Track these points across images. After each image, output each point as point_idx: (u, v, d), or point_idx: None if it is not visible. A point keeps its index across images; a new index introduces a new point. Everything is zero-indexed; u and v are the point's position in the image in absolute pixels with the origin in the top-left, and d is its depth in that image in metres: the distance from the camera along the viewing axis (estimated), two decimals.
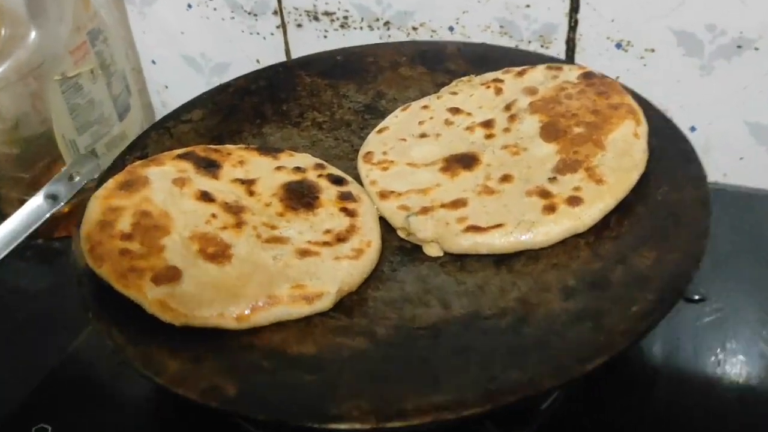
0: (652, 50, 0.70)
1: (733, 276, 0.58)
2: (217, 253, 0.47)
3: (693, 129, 0.72)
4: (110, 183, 0.52)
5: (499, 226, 0.49)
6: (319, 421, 0.36)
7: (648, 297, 0.41)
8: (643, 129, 0.53)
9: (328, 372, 0.40)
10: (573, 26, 0.72)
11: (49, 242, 0.74)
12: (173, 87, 0.95)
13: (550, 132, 0.54)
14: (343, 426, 0.36)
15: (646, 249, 0.45)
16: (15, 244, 0.61)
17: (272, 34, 0.85)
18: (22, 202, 0.71)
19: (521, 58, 0.64)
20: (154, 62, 0.95)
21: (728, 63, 0.68)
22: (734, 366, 0.51)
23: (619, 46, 0.71)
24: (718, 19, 0.66)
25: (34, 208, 0.63)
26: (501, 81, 0.61)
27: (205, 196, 0.52)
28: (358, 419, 0.36)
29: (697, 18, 0.67)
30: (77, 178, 0.65)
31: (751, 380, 0.50)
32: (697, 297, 0.56)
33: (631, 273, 0.44)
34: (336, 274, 0.47)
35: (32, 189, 0.74)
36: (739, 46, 0.66)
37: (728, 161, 0.73)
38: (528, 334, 0.41)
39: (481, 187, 0.52)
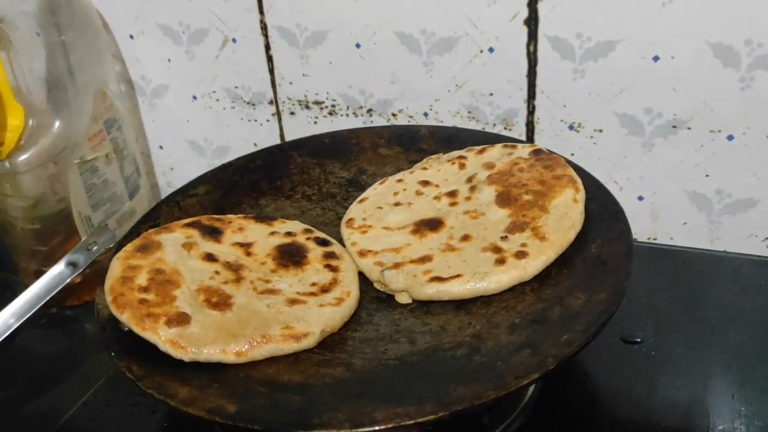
0: (600, 131, 0.79)
1: (670, 325, 0.66)
2: (219, 302, 0.55)
3: (641, 198, 0.81)
4: (129, 246, 0.60)
5: (457, 276, 0.57)
6: (305, 429, 0.44)
7: (577, 328, 0.49)
8: (581, 195, 0.61)
9: (312, 394, 0.48)
10: (531, 111, 0.81)
11: (62, 311, 0.80)
12: (178, 169, 1.04)
13: (503, 199, 0.63)
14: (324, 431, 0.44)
15: (579, 292, 0.53)
16: (40, 304, 0.68)
17: (268, 120, 0.94)
18: (38, 273, 0.78)
19: (483, 138, 0.73)
20: (161, 147, 1.04)
21: (666, 140, 0.76)
22: (663, 397, 0.59)
23: (571, 127, 0.80)
24: (654, 104, 0.75)
25: (56, 273, 0.71)
26: (464, 158, 0.70)
27: (210, 257, 0.61)
28: (336, 426, 0.44)
29: (636, 103, 0.76)
30: (94, 248, 0.73)
31: (675, 408, 0.58)
32: (637, 339, 0.64)
33: (565, 311, 0.52)
34: (320, 318, 0.55)
35: (48, 261, 0.79)
36: (674, 126, 0.75)
37: (674, 226, 0.81)
38: (478, 361, 0.50)
39: (444, 245, 0.61)
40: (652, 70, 0.73)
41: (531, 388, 0.59)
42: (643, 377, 0.61)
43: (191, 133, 1.01)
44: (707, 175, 0.77)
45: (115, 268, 0.58)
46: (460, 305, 0.57)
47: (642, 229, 0.83)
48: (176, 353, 0.51)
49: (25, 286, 0.71)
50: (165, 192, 1.06)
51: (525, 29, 0.77)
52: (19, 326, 0.67)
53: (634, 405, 0.59)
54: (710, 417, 0.57)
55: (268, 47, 0.89)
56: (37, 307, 0.69)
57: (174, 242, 0.62)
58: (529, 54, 0.78)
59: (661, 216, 0.82)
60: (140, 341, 0.53)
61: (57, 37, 0.78)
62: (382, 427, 0.44)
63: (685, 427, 0.57)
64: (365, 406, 0.46)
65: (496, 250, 0.58)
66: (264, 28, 0.88)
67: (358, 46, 0.85)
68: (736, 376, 0.60)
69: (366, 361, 0.52)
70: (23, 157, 0.76)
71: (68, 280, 0.71)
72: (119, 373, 0.66)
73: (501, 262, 0.57)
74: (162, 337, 0.52)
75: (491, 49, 0.79)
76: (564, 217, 0.60)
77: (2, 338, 0.67)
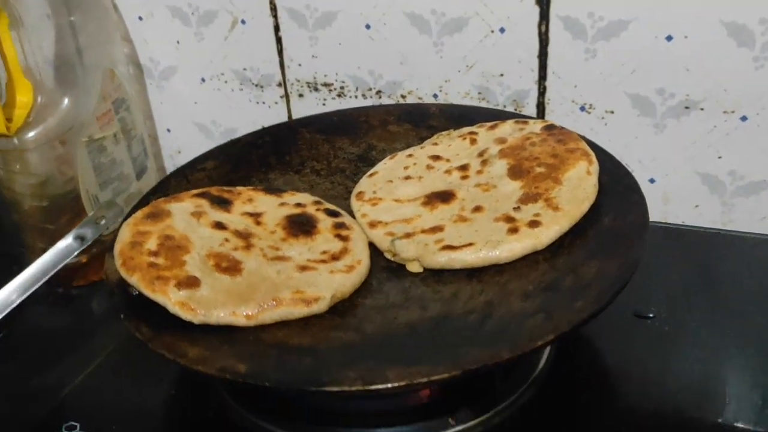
0: (612, 112, 0.79)
1: (683, 301, 0.65)
2: (229, 266, 0.55)
3: (652, 181, 0.81)
4: (138, 214, 0.60)
5: (470, 245, 0.56)
6: (316, 386, 0.44)
7: (590, 296, 0.49)
8: (595, 168, 0.61)
9: (322, 355, 0.48)
10: (542, 92, 0.81)
11: (67, 289, 0.81)
12: (185, 152, 1.04)
13: (515, 172, 0.62)
14: (335, 388, 0.43)
15: (593, 261, 0.53)
16: (49, 275, 0.68)
17: (276, 103, 0.95)
18: (45, 251, 0.79)
19: (493, 115, 0.73)
20: (169, 130, 1.04)
21: (678, 121, 0.76)
22: (676, 372, 0.59)
23: (582, 108, 0.80)
24: (666, 84, 0.75)
25: (64, 246, 0.71)
26: (475, 133, 0.70)
27: (219, 225, 0.60)
28: (347, 384, 0.44)
29: (649, 84, 0.75)
30: (102, 222, 0.73)
31: (687, 382, 0.58)
32: (650, 315, 0.64)
33: (578, 280, 0.52)
34: (331, 283, 0.55)
35: (56, 239, 0.80)
36: (686, 107, 0.75)
37: (685, 209, 0.81)
38: (491, 325, 0.49)
39: (456, 216, 0.60)
40: (664, 50, 0.73)
41: (543, 360, 0.58)
42: (656, 352, 0.60)
43: (199, 115, 1.01)
44: (720, 157, 0.77)
45: (125, 233, 0.58)
46: (472, 274, 0.56)
47: (653, 212, 0.79)
48: (186, 315, 0.51)
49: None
50: None
51: (536, 9, 0.76)
52: (27, 300, 0.67)
53: (646, 380, 0.58)
54: (725, 393, 0.56)
55: (277, 28, 0.89)
56: (45, 278, 0.68)
57: (183, 211, 0.61)
58: (540, 34, 0.78)
59: (672, 198, 0.81)
60: (149, 306, 0.53)
61: (66, 18, 0.78)
62: (395, 384, 0.43)
63: (699, 402, 0.56)
64: (376, 367, 0.45)
65: (509, 219, 0.58)
66: (273, 9, 0.88)
67: (367, 27, 0.85)
68: (751, 353, 0.60)
69: (376, 326, 0.52)
70: (31, 133, 0.76)
71: (76, 253, 0.71)
72: (125, 345, 0.66)
73: (514, 231, 0.57)
74: (172, 299, 0.51)
75: (502, 30, 0.79)
76: (577, 188, 0.59)
77: (12, 307, 0.67)
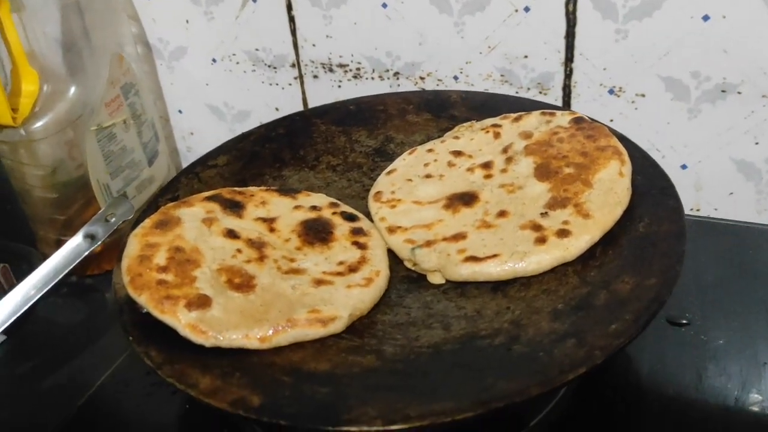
0: (643, 95, 0.75)
1: (718, 303, 0.62)
2: (242, 283, 0.52)
3: (684, 167, 0.77)
4: (147, 222, 0.58)
5: (495, 256, 0.53)
6: (333, 425, 0.41)
7: (626, 317, 0.46)
8: (627, 168, 0.58)
9: (340, 385, 0.45)
10: (568, 74, 0.77)
11: (82, 279, 0.79)
12: (198, 133, 1.02)
13: (543, 172, 0.59)
14: (353, 428, 0.41)
15: (627, 275, 0.50)
16: (57, 279, 0.67)
17: (290, 84, 0.91)
18: (57, 242, 0.77)
19: (518, 105, 0.69)
20: (180, 111, 1.01)
21: (713, 106, 0.73)
22: (712, 384, 0.56)
23: (611, 91, 0.76)
24: (702, 67, 0.71)
25: (73, 246, 0.69)
26: (499, 126, 0.66)
27: (231, 234, 0.58)
28: (366, 423, 0.41)
29: (683, 66, 0.72)
30: (112, 219, 0.71)
31: (726, 398, 0.55)
32: (683, 321, 0.60)
33: (612, 297, 0.48)
34: (348, 300, 0.52)
35: (67, 229, 0.78)
36: (723, 91, 0.71)
37: (719, 196, 0.78)
38: (518, 350, 0.46)
39: (479, 221, 0.57)
40: (700, 31, 0.70)
41: None
42: (691, 363, 0.57)
43: (211, 97, 0.98)
44: (757, 143, 0.73)
45: (133, 245, 0.55)
46: (497, 287, 0.53)
47: (685, 199, 0.76)
48: (197, 338, 0.48)
49: (44, 256, 0.70)
50: (184, 157, 1.04)
51: None
52: (38, 299, 0.66)
53: (681, 393, 0.55)
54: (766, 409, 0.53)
55: (290, 7, 0.86)
56: (55, 281, 0.67)
57: (194, 217, 0.58)
58: (567, 13, 0.74)
59: (705, 186, 0.78)
60: (159, 324, 0.50)
61: None
62: (417, 424, 0.41)
63: (737, 419, 0.53)
64: (397, 401, 0.43)
65: (536, 227, 0.55)
66: None
67: (384, 5, 0.81)
68: None
69: (397, 348, 0.49)
70: (39, 123, 0.74)
71: (86, 254, 0.69)
72: None
73: (541, 240, 0.53)
74: (182, 321, 0.49)
75: (527, 8, 0.75)
76: (609, 192, 0.56)
77: (21, 312, 0.66)
